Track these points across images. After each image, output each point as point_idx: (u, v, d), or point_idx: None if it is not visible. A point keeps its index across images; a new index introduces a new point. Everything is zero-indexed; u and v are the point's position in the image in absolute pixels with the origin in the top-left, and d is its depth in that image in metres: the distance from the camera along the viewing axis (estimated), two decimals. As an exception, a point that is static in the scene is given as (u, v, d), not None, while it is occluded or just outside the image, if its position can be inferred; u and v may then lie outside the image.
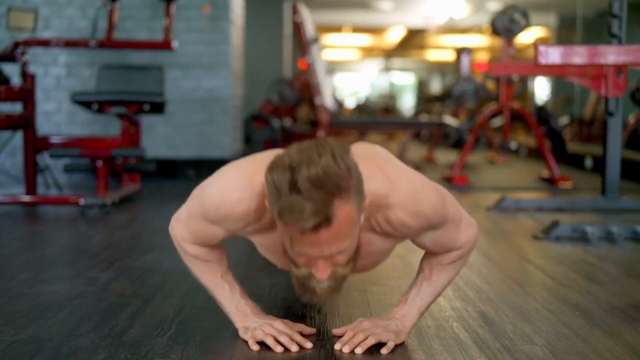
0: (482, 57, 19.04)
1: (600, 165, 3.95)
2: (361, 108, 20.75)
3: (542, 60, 3.50)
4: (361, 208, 1.39)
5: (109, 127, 5.37)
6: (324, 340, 1.72)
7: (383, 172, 1.54)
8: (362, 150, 1.62)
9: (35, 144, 4.09)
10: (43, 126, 5.24)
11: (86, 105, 4.20)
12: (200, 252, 1.71)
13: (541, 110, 7.15)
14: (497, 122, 8.48)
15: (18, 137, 4.85)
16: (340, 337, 1.71)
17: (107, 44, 4.35)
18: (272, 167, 1.35)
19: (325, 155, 1.31)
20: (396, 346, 1.67)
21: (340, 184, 1.31)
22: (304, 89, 7.47)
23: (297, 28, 6.69)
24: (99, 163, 3.95)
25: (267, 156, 1.45)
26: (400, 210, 1.52)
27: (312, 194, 1.29)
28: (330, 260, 1.40)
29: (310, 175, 1.29)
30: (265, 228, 1.56)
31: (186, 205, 1.68)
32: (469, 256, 1.75)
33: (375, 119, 13.90)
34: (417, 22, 15.71)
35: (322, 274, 1.40)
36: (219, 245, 1.74)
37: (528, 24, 5.82)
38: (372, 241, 1.58)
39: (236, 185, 1.52)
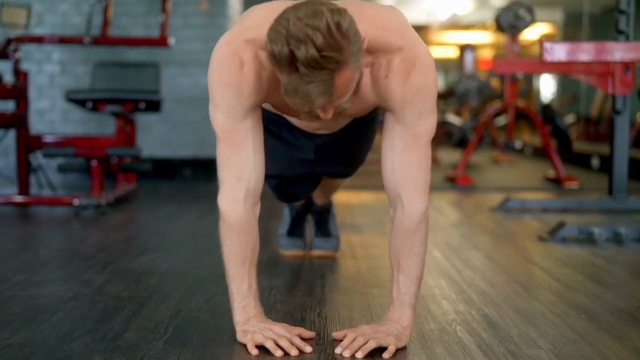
0: (486, 54, 18.98)
1: (607, 164, 3.92)
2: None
3: (548, 58, 3.48)
4: (359, 63, 1.45)
5: (103, 125, 5.33)
6: (324, 344, 1.71)
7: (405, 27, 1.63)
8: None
9: (28, 143, 4.05)
10: (36, 125, 5.18)
11: (80, 103, 4.18)
12: (244, 209, 1.66)
13: (547, 109, 7.11)
14: (502, 120, 8.44)
15: (11, 136, 4.81)
16: (340, 341, 1.69)
17: (102, 40, 4.31)
18: (271, 38, 1.40)
19: (320, 31, 1.35)
20: (398, 350, 1.65)
21: (338, 58, 1.38)
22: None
23: (297, 25, 6.64)
24: (94, 163, 3.91)
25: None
26: (404, 61, 1.58)
27: (312, 77, 1.37)
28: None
29: (307, 57, 1.35)
30: None
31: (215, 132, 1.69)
32: (426, 228, 1.69)
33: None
34: (419, 18, 15.67)
35: (326, 115, 1.50)
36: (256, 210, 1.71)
37: (533, 20, 5.77)
38: (363, 87, 1.61)
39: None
